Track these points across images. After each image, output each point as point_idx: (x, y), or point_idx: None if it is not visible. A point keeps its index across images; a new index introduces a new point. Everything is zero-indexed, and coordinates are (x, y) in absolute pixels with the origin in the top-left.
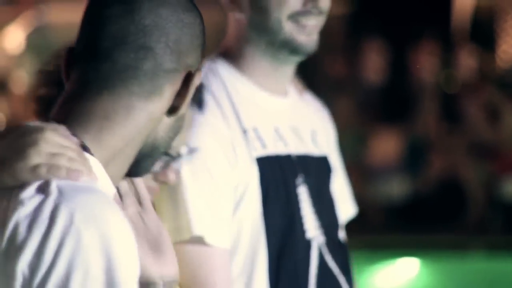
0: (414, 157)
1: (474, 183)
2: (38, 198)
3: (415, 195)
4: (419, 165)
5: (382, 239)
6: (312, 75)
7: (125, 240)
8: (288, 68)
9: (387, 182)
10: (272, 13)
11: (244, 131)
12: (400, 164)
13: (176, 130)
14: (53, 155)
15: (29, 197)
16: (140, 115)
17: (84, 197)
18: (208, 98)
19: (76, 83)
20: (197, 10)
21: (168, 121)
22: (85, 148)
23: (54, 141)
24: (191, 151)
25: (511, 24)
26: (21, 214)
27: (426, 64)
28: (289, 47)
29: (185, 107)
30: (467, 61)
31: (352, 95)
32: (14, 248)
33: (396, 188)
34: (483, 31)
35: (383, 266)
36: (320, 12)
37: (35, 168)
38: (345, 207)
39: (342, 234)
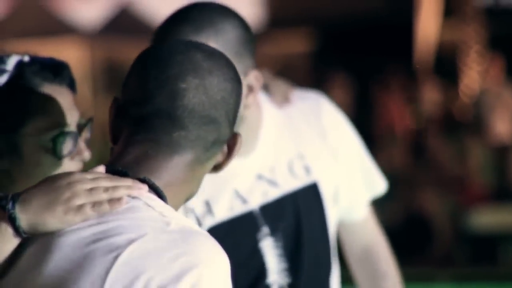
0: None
1: (440, 215)
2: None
3: (382, 229)
4: (385, 198)
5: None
6: None
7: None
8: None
9: None
10: None
11: (189, 210)
12: None
13: None
14: (90, 191)
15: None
16: (199, 177)
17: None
18: None
19: (144, 142)
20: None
21: None
22: (159, 194)
23: (85, 178)
24: None
25: (474, 58)
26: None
27: (390, 99)
28: None
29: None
30: (431, 96)
31: None
32: None
33: None
34: (446, 66)
35: None
36: None
37: (80, 208)
38: (371, 187)
39: (329, 254)
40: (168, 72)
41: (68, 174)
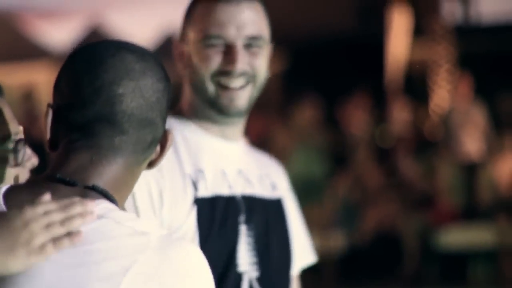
0: (349, 211)
1: (409, 235)
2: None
3: (351, 249)
4: (355, 217)
5: None
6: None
7: None
8: (230, 121)
9: (324, 236)
10: (196, 70)
11: (184, 175)
12: (336, 218)
13: None
14: (47, 227)
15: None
16: (137, 176)
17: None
18: None
19: (86, 148)
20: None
21: None
22: (110, 199)
23: (38, 213)
24: None
25: (444, 77)
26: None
27: (360, 118)
28: (214, 107)
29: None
30: (400, 115)
31: None
32: None
33: (332, 242)
34: (416, 85)
35: None
36: (240, 74)
37: (42, 248)
38: (302, 255)
39: (289, 275)
40: (103, 77)
41: (19, 211)
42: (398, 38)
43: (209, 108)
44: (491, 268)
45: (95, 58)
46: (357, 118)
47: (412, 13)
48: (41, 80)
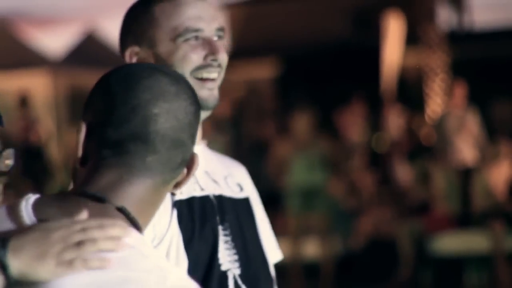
0: (344, 216)
1: (404, 240)
2: None
3: (347, 254)
4: (350, 223)
5: None
6: (240, 137)
7: None
8: (204, 117)
9: (319, 241)
10: (177, 69)
11: None
12: (331, 223)
13: None
14: (80, 245)
15: None
16: (163, 198)
17: None
18: None
19: (117, 166)
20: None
21: None
22: (136, 225)
23: (75, 229)
24: None
25: (438, 83)
26: None
27: (357, 125)
28: None
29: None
30: (395, 121)
31: None
32: None
33: (327, 247)
34: (411, 92)
35: None
36: (219, 65)
37: (71, 263)
38: (271, 252)
39: (270, 271)
40: (139, 97)
41: (59, 224)
42: (393, 45)
43: None
44: (486, 274)
45: (131, 78)
46: (354, 125)
47: (406, 20)
48: (37, 86)
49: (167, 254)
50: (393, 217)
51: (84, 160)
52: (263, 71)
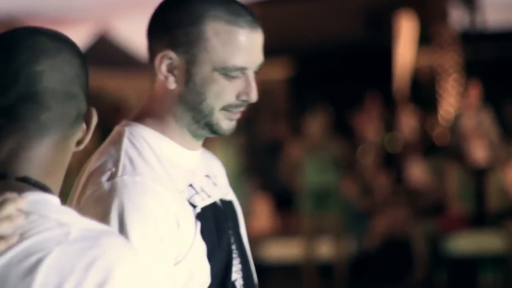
0: (359, 217)
1: (419, 240)
2: None
3: (361, 254)
4: (365, 223)
5: None
6: (254, 138)
7: None
8: (205, 135)
9: (333, 241)
10: (207, 100)
11: (181, 191)
12: (346, 223)
13: None
14: None
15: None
16: (68, 155)
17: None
18: (138, 161)
19: (13, 132)
20: None
21: None
22: (42, 189)
23: None
24: (138, 211)
25: (452, 84)
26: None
27: (371, 125)
28: (211, 129)
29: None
30: (409, 122)
31: None
32: None
33: (341, 247)
34: (424, 92)
35: None
36: (248, 103)
37: None
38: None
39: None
40: (20, 58)
41: None
42: (406, 46)
43: (201, 128)
44: (501, 274)
45: (10, 42)
46: (369, 125)
47: (419, 21)
48: None
49: (192, 268)
50: (407, 218)
51: None
52: (276, 72)
